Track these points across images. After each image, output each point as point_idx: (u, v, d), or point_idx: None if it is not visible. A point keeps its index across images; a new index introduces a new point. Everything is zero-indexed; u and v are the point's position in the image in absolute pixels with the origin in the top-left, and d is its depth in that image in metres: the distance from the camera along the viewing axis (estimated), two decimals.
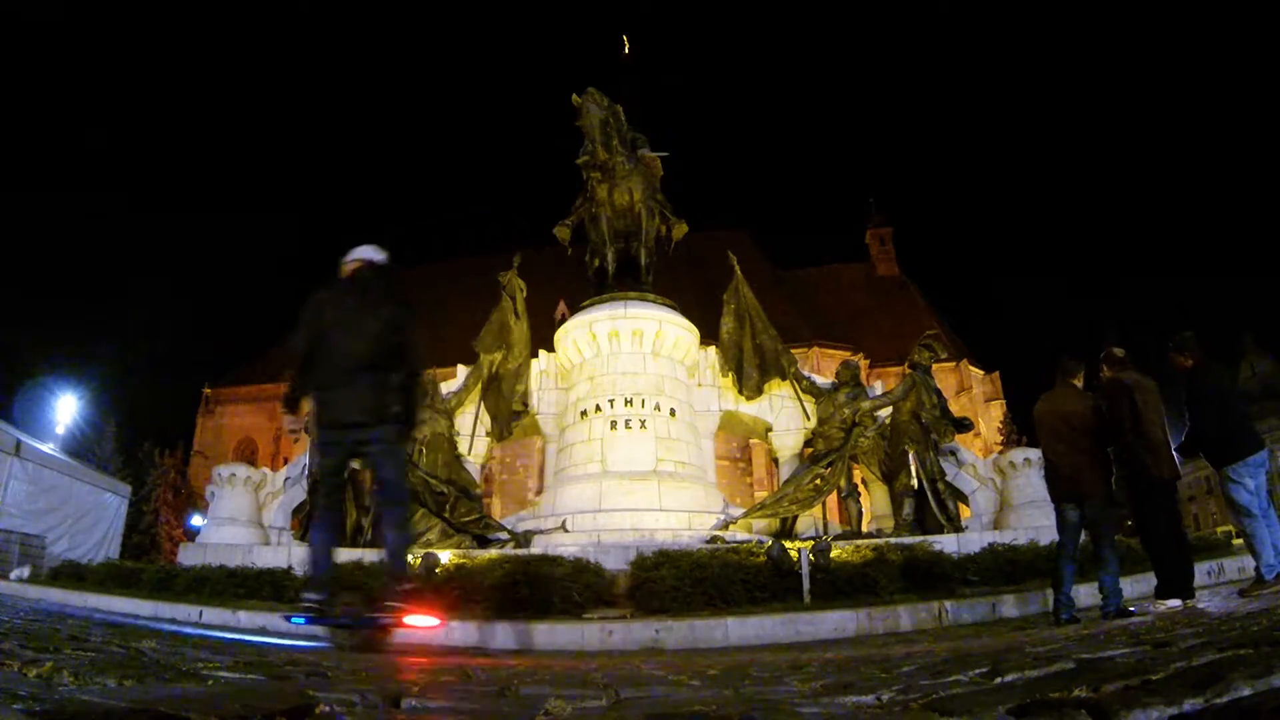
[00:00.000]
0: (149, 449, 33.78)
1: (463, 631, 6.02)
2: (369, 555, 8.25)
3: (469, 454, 11.89)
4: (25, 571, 10.47)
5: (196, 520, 29.03)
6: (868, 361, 38.30)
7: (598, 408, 11.71)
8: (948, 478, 10.51)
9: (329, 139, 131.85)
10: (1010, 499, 10.45)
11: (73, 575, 9.67)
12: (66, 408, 20.35)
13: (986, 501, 10.77)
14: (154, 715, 1.21)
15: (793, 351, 13.68)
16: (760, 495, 28.48)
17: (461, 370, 12.59)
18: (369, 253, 4.09)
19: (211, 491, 10.99)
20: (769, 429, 12.64)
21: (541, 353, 13.16)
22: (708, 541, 9.07)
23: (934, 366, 11.53)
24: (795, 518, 10.86)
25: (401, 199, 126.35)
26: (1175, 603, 5.01)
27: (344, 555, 8.56)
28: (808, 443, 12.00)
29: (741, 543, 8.57)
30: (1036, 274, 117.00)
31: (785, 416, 12.47)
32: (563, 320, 14.53)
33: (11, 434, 13.10)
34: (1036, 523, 9.74)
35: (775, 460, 13.38)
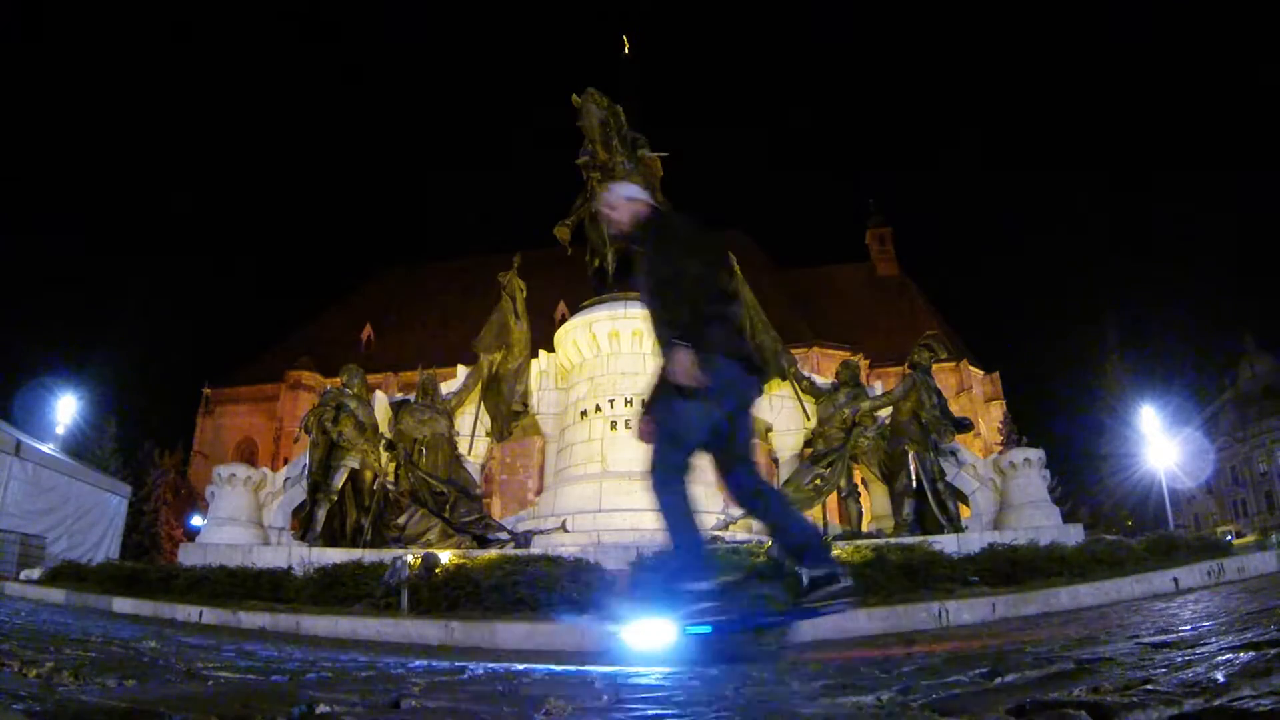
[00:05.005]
0: (149, 449, 33.75)
1: (462, 632, 6.02)
2: (369, 555, 8.26)
3: (469, 454, 11.88)
4: (35, 573, 10.48)
5: (196, 520, 29.01)
6: (868, 361, 38.27)
7: (598, 408, 11.71)
8: (948, 478, 10.50)
9: (329, 138, 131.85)
10: (1010, 499, 10.44)
11: (73, 576, 9.66)
12: (66, 408, 20.32)
13: (986, 502, 10.76)
14: (154, 715, 1.21)
15: (793, 351, 13.67)
16: None
17: (461, 370, 12.59)
18: None
19: (211, 491, 10.97)
20: (769, 429, 12.63)
21: (541, 353, 13.15)
22: (708, 542, 9.05)
23: (934, 366, 11.51)
24: None
25: (401, 199, 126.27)
26: None
27: (343, 555, 8.60)
28: (808, 443, 11.99)
29: (742, 543, 8.56)
30: (1037, 274, 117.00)
31: (785, 416, 12.46)
32: (563, 320, 14.52)
33: (11, 434, 13.09)
34: (1037, 523, 9.73)
35: (775, 460, 13.37)
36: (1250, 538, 35.24)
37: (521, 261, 13.14)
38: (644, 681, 2.46)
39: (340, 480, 10.27)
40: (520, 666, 3.48)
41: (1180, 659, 1.84)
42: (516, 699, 2.00)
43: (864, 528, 10.79)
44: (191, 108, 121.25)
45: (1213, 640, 2.32)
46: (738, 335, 3.48)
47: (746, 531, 10.65)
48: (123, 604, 7.75)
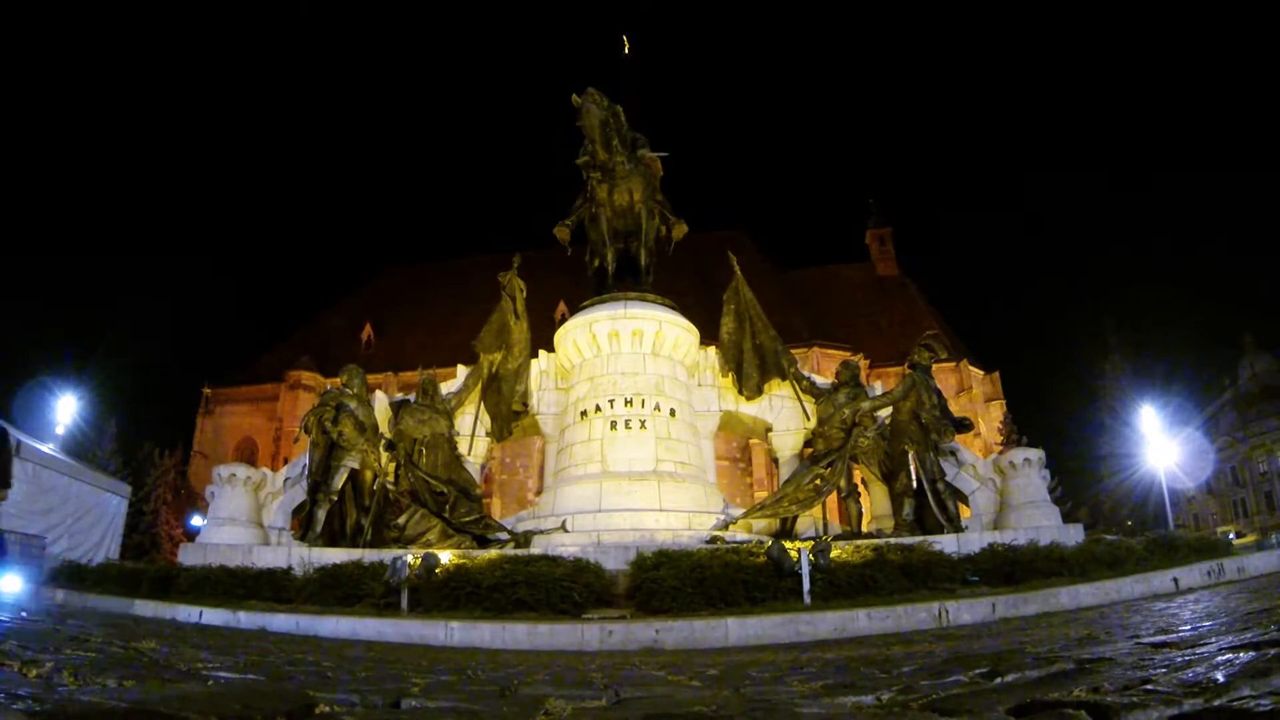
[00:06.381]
0: (149, 449, 33.73)
1: (463, 632, 6.02)
2: (369, 555, 8.26)
3: (469, 454, 11.87)
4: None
5: (196, 520, 29.00)
6: (868, 361, 38.23)
7: (598, 408, 11.70)
8: (948, 478, 10.50)
9: (328, 138, 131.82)
10: (1010, 499, 10.44)
11: (72, 576, 9.66)
12: (66, 408, 20.30)
13: (986, 501, 10.76)
14: (154, 715, 1.21)
15: (793, 351, 13.66)
16: (760, 495, 28.47)
17: (461, 370, 12.58)
18: None
19: (211, 491, 10.97)
20: (769, 429, 12.63)
21: (541, 353, 13.14)
22: (708, 542, 9.06)
23: (934, 366, 11.51)
24: (795, 518, 10.85)
25: (401, 199, 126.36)
26: None
27: (343, 555, 8.60)
28: (808, 443, 11.99)
29: (741, 543, 8.56)
30: (1036, 274, 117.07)
31: (785, 416, 12.46)
32: (563, 320, 14.51)
33: (11, 434, 13.08)
34: (1036, 523, 9.73)
35: (775, 460, 13.39)
36: (1250, 538, 35.24)
37: (521, 261, 13.13)
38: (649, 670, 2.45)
39: (340, 480, 10.27)
40: (520, 666, 3.48)
41: (1180, 659, 1.84)
42: (516, 699, 2.00)
43: (864, 528, 10.78)
44: (191, 107, 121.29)
45: (1213, 640, 2.32)
46: None
47: (746, 531, 10.65)
48: (123, 604, 7.75)
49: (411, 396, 11.90)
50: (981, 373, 41.98)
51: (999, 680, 1.79)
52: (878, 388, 12.19)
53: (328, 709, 1.47)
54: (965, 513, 10.87)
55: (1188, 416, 42.16)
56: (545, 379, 12.95)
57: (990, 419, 39.46)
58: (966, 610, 6.19)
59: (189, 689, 1.76)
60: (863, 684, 2.05)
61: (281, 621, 6.59)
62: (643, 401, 11.62)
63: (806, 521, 11.10)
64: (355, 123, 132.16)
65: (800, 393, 12.35)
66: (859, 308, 46.03)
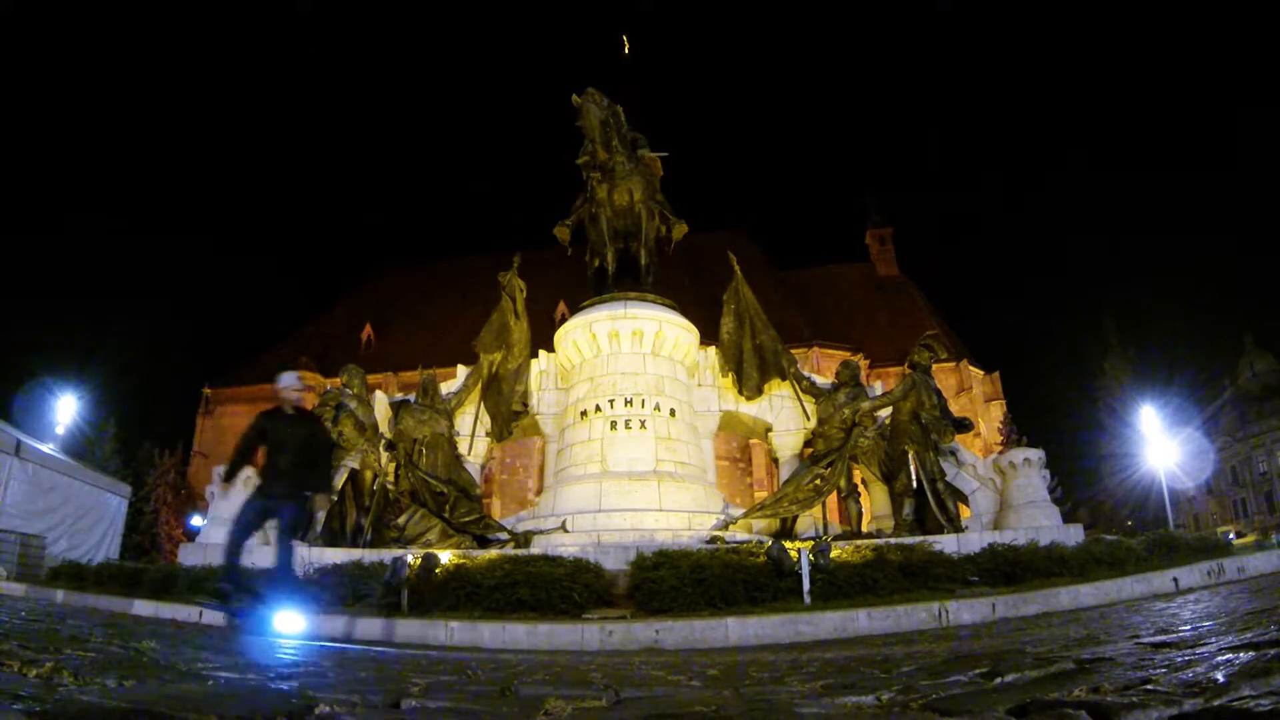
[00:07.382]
0: (149, 449, 33.76)
1: (463, 632, 6.02)
2: (369, 555, 8.26)
3: (469, 454, 11.87)
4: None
5: (196, 520, 29.01)
6: (868, 361, 38.22)
7: (597, 408, 11.70)
8: (948, 478, 10.49)
9: (328, 138, 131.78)
10: (1010, 499, 10.44)
11: (73, 576, 9.66)
12: (66, 408, 20.32)
13: (986, 501, 10.76)
14: (154, 715, 1.21)
15: (793, 351, 13.65)
16: (760, 495, 28.46)
17: (461, 370, 12.58)
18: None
19: (211, 491, 10.96)
20: (769, 429, 12.63)
21: (541, 353, 13.14)
22: (708, 542, 9.06)
23: (934, 366, 11.50)
24: (795, 518, 10.85)
25: (400, 199, 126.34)
26: None
27: (343, 555, 8.60)
28: (808, 443, 11.99)
29: (741, 543, 8.56)
30: (1036, 274, 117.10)
31: (785, 416, 12.46)
32: (563, 320, 14.51)
33: (11, 434, 13.07)
34: (1036, 523, 9.73)
35: (775, 460, 13.37)
36: (1250, 538, 35.24)
37: (521, 261, 13.13)
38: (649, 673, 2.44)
39: (340, 480, 10.27)
40: (520, 666, 3.48)
41: (1180, 659, 1.84)
42: (516, 699, 2.00)
43: (864, 528, 10.78)
44: (191, 108, 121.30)
45: (1213, 640, 2.32)
46: None
47: (746, 531, 10.65)
48: (123, 604, 7.75)
49: (411, 396, 11.90)
50: (981, 373, 41.96)
51: (999, 680, 1.79)
52: (878, 388, 12.18)
53: (328, 709, 1.47)
54: (965, 513, 10.87)
55: (1188, 416, 42.14)
56: (545, 379, 12.95)
57: (990, 419, 39.44)
58: (966, 610, 6.19)
59: (189, 689, 1.76)
60: (863, 684, 2.05)
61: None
62: (643, 401, 11.62)
63: (806, 521, 11.10)
64: (356, 123, 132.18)
65: (800, 393, 12.34)
66: (859, 308, 46.01)
